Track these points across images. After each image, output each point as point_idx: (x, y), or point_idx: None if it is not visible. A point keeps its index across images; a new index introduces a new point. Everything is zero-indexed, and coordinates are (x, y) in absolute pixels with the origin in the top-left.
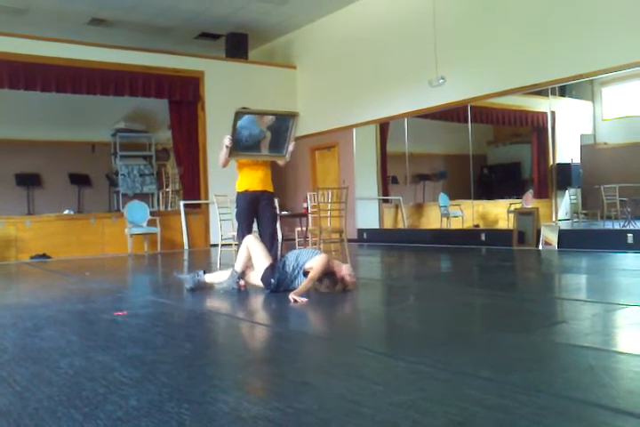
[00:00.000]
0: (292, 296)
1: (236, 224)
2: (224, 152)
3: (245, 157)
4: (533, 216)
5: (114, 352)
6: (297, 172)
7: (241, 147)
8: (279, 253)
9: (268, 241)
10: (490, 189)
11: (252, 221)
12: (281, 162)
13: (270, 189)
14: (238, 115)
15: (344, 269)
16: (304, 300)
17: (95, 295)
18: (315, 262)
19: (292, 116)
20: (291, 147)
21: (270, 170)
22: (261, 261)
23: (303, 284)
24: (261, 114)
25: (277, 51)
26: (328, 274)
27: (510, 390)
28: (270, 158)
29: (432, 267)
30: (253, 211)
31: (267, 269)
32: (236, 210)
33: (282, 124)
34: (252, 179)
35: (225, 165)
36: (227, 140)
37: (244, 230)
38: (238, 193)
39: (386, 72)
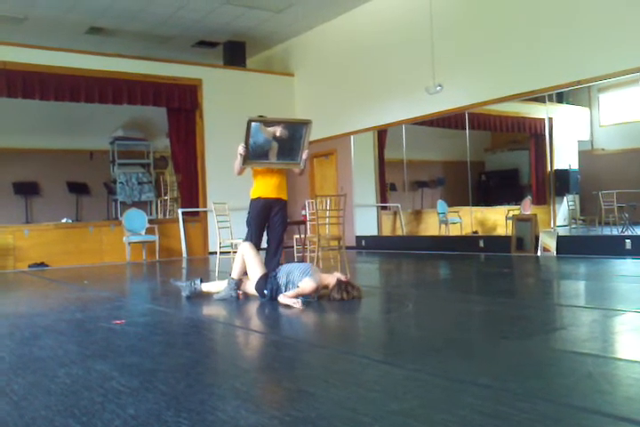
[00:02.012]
0: (284, 301)
1: (235, 232)
2: (238, 160)
3: (260, 164)
4: (532, 222)
5: (112, 361)
6: (295, 179)
7: (251, 155)
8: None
9: (275, 248)
10: (488, 196)
11: (264, 228)
12: (296, 170)
13: (285, 196)
14: (251, 123)
15: (341, 277)
16: (299, 306)
17: (93, 304)
18: (302, 285)
19: (305, 123)
20: (304, 155)
21: (286, 178)
22: (255, 270)
23: (293, 292)
24: (275, 122)
25: (275, 58)
26: (335, 286)
27: (509, 398)
28: (285, 166)
29: (430, 274)
30: (265, 218)
31: (260, 279)
32: (247, 216)
33: (295, 131)
34: (266, 186)
35: (240, 173)
36: (241, 149)
37: (253, 237)
38: (251, 200)
39: (383, 79)
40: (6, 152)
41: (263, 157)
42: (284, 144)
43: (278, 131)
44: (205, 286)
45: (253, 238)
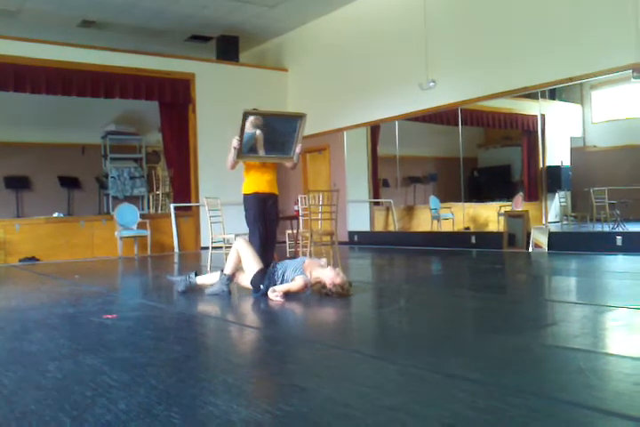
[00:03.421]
0: (272, 294)
1: (227, 227)
2: (232, 154)
3: (253, 158)
4: (523, 219)
5: (103, 355)
6: (288, 174)
7: (243, 150)
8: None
9: (270, 242)
10: (480, 192)
11: (265, 222)
12: (289, 164)
13: (276, 191)
14: (246, 115)
15: (327, 278)
16: (281, 300)
17: (85, 298)
18: (292, 282)
19: (299, 117)
20: (298, 148)
21: (276, 173)
22: (251, 264)
23: (284, 287)
24: (269, 115)
25: (268, 53)
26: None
27: (500, 393)
28: (278, 160)
29: (422, 269)
30: (263, 211)
31: (256, 274)
32: (246, 213)
33: (289, 125)
34: (260, 181)
35: (233, 167)
36: (235, 142)
37: (260, 230)
38: (247, 195)
39: (377, 75)
40: None
41: (254, 152)
42: (269, 134)
43: (252, 118)
44: (200, 279)
45: (260, 232)
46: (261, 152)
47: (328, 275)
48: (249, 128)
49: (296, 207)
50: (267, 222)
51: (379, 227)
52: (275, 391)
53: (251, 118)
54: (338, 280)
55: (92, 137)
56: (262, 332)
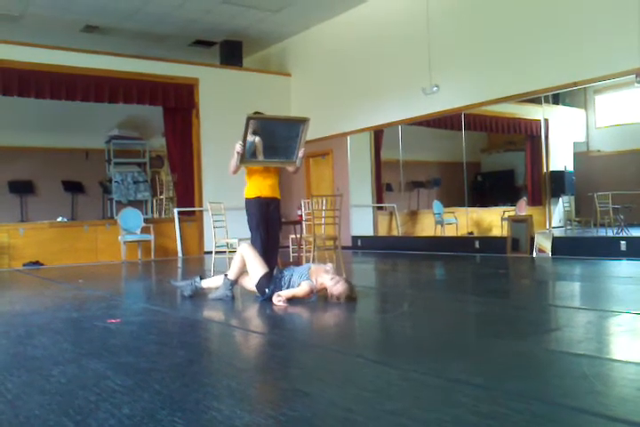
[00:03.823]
0: (276, 299)
1: (230, 231)
2: (235, 159)
3: (256, 163)
4: (527, 223)
5: (107, 360)
6: (291, 179)
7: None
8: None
9: (273, 246)
10: (484, 197)
11: (267, 226)
12: (291, 168)
13: (278, 196)
14: (250, 120)
15: (328, 287)
16: (284, 305)
17: (89, 303)
18: (298, 288)
19: (302, 121)
20: (301, 153)
21: (279, 177)
22: (257, 269)
23: (290, 292)
24: (272, 119)
25: (272, 58)
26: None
27: (503, 398)
28: (281, 165)
29: (426, 274)
30: (266, 216)
31: (262, 278)
32: (248, 217)
33: (292, 129)
34: (262, 186)
35: (235, 172)
36: (238, 147)
37: (262, 235)
38: (249, 199)
39: (380, 80)
40: (1, 150)
41: (256, 157)
42: (272, 138)
43: (253, 128)
44: (205, 283)
45: (262, 236)
46: (261, 157)
47: (328, 284)
48: (249, 135)
49: (299, 212)
50: (269, 227)
51: (382, 231)
52: (278, 396)
53: (252, 127)
54: (334, 291)
55: (95, 142)
56: (266, 337)
